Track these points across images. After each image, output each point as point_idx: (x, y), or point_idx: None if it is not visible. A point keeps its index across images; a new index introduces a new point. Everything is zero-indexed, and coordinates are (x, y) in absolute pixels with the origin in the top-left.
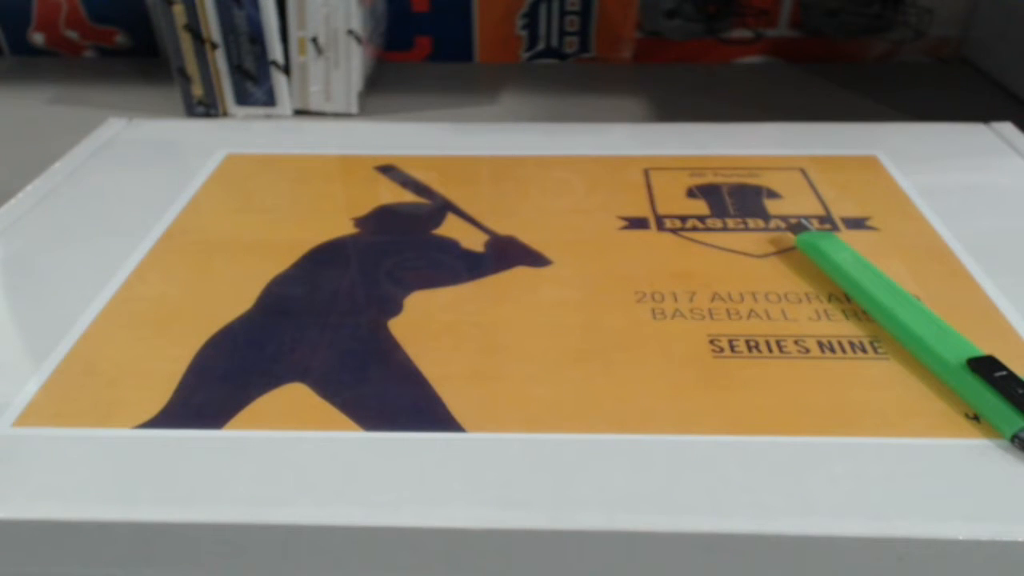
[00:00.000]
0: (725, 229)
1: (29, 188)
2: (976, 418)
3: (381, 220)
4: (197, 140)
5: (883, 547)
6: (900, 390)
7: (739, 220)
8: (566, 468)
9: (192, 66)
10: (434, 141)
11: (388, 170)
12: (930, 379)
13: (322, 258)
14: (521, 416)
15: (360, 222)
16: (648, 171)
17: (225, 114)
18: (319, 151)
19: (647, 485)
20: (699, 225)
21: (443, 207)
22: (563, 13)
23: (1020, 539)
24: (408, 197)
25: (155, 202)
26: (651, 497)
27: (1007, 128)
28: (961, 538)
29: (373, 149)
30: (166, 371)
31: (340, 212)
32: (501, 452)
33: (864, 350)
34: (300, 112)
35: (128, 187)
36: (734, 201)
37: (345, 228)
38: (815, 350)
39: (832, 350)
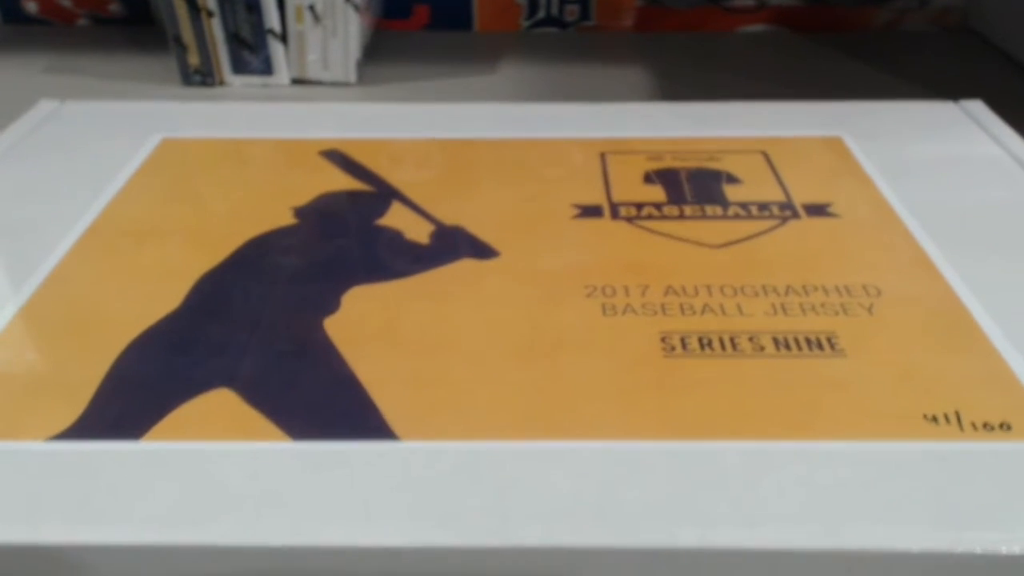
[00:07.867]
0: (682, 217)
1: None
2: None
3: (322, 209)
4: (131, 124)
5: (834, 559)
6: (856, 390)
7: (696, 207)
8: (504, 479)
9: (188, 35)
10: (382, 124)
11: (332, 155)
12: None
13: (257, 251)
14: (460, 423)
15: (300, 212)
16: (605, 155)
17: (222, 83)
18: (261, 135)
19: (589, 497)
20: (655, 213)
21: (388, 195)
22: None
23: (977, 550)
24: (352, 184)
25: (81, 193)
26: (593, 510)
27: (976, 106)
28: (915, 551)
29: (318, 132)
30: (84, 377)
31: (280, 201)
32: (436, 462)
33: (821, 347)
34: (298, 81)
35: (53, 177)
36: (692, 187)
37: (284, 218)
38: (770, 347)
39: (788, 347)
